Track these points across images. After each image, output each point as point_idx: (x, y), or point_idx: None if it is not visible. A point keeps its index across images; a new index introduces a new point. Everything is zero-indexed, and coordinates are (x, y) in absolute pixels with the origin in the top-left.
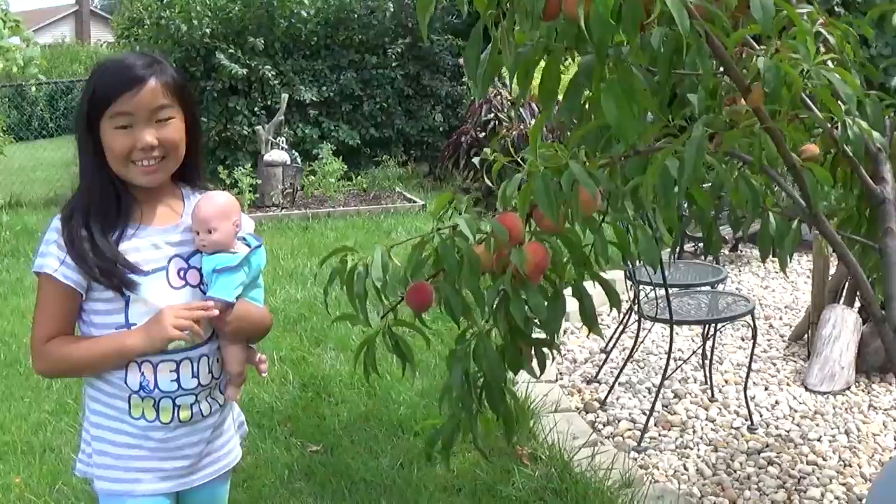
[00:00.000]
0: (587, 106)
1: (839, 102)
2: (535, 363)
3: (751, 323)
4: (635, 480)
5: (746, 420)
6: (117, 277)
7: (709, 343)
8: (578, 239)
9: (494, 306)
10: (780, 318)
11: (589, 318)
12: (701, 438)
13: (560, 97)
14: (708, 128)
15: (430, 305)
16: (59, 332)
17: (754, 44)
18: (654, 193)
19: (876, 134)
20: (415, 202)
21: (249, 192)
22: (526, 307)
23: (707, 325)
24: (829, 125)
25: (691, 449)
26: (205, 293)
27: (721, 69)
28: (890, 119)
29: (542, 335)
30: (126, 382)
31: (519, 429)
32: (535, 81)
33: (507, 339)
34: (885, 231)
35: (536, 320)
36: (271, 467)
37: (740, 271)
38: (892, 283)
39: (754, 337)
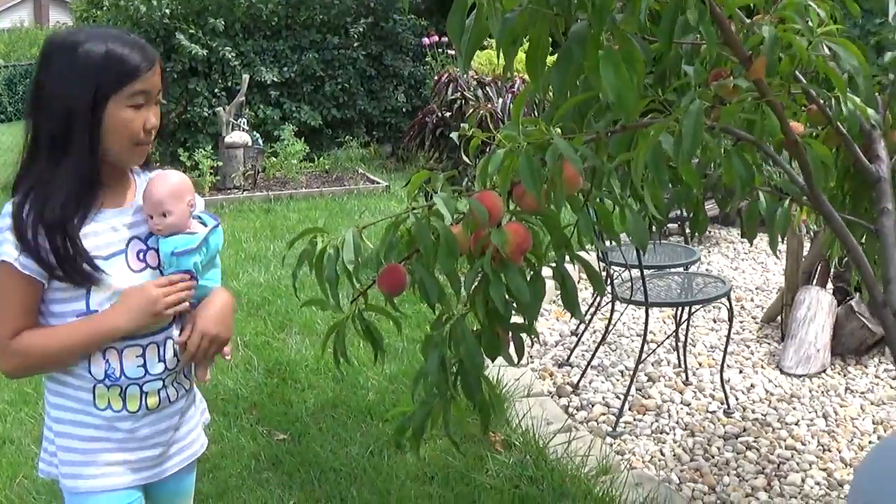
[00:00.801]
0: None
1: (841, 76)
2: (512, 349)
3: (727, 305)
4: (612, 467)
5: (722, 404)
6: (79, 274)
7: (682, 325)
8: (558, 219)
9: (472, 290)
10: (752, 300)
11: (571, 301)
12: (677, 423)
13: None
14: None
15: (404, 289)
16: (26, 325)
17: (744, 17)
18: (644, 171)
19: (870, 111)
20: (378, 183)
21: (210, 174)
22: (505, 290)
23: (682, 308)
24: (821, 101)
25: (667, 434)
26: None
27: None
28: (882, 96)
29: (520, 320)
30: (90, 372)
31: (495, 417)
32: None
33: (484, 323)
34: (881, 211)
35: (514, 304)
36: (237, 457)
37: (709, 252)
38: (890, 265)
39: (730, 319)
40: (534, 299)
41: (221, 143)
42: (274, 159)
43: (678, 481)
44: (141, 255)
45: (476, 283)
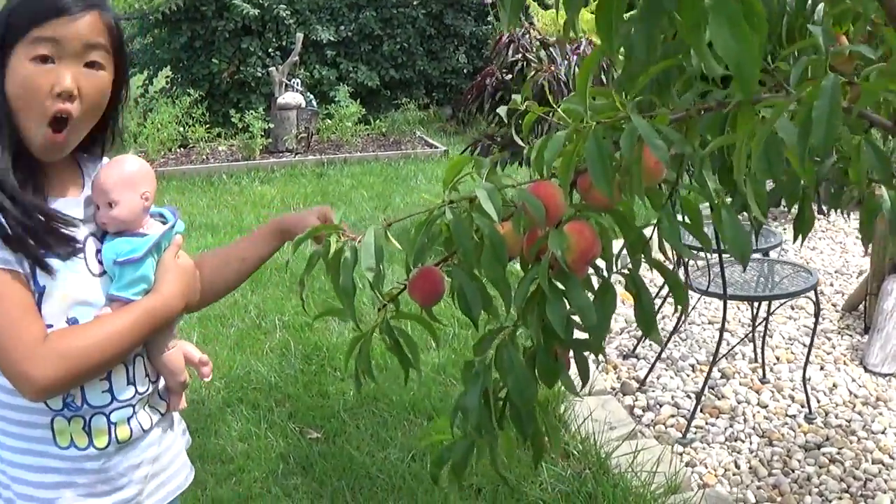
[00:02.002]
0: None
1: None
2: (574, 371)
3: (812, 299)
4: (682, 483)
5: (802, 407)
6: (54, 237)
7: (761, 319)
8: (633, 216)
9: (524, 304)
10: (831, 285)
11: (648, 319)
12: (753, 429)
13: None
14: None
15: (440, 297)
16: (43, 325)
17: None
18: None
19: None
20: (436, 147)
21: (262, 136)
22: (566, 308)
23: (762, 302)
24: None
25: (742, 441)
26: None
27: None
28: None
29: (583, 335)
30: (45, 402)
31: (552, 449)
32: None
33: (538, 342)
34: None
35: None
36: (264, 458)
37: (784, 230)
38: None
39: (816, 315)
40: (602, 319)
41: (274, 105)
42: (328, 121)
43: (754, 501)
44: (99, 256)
45: (529, 296)
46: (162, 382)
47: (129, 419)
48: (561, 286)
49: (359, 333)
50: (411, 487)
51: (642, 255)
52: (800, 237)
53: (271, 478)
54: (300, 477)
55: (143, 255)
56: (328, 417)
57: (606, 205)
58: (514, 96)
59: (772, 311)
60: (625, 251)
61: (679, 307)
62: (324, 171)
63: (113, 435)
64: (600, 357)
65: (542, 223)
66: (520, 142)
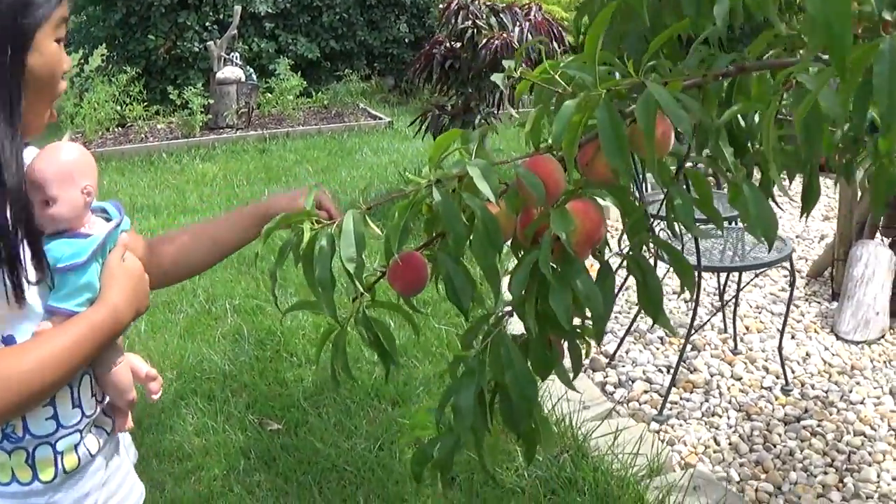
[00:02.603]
0: None
1: None
2: (567, 361)
3: (788, 269)
4: (664, 464)
5: (778, 378)
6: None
7: (731, 289)
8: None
9: (521, 292)
10: (794, 251)
11: (654, 303)
12: (730, 403)
13: None
14: None
15: (424, 285)
16: None
17: None
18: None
19: None
20: (380, 119)
21: (201, 112)
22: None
23: (734, 273)
24: None
25: (720, 417)
26: None
27: None
28: None
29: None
30: None
31: (543, 445)
32: None
33: (532, 333)
34: None
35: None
36: (224, 454)
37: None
38: None
39: (792, 286)
40: (606, 306)
41: (213, 80)
42: (269, 95)
43: (738, 478)
44: (34, 261)
45: (526, 284)
46: (108, 399)
47: (76, 446)
48: (564, 273)
49: (330, 326)
50: (381, 479)
51: (646, 237)
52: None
53: (232, 475)
54: (263, 473)
55: (87, 259)
56: (288, 407)
57: (610, 180)
58: (506, 62)
59: (745, 283)
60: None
61: (686, 287)
62: (266, 146)
63: (60, 465)
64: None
65: (541, 202)
66: (513, 112)
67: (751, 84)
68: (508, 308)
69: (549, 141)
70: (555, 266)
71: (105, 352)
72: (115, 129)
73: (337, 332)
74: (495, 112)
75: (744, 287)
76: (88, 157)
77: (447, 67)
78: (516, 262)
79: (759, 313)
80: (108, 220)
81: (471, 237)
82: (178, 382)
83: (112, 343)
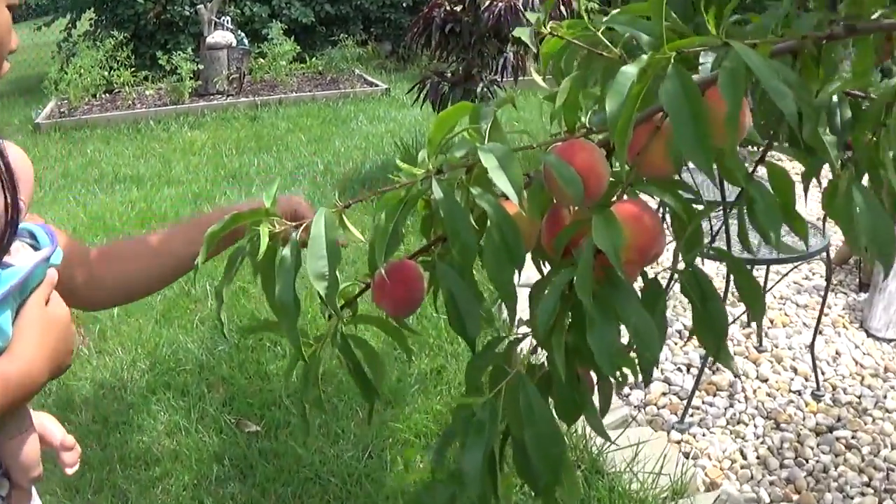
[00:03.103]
0: None
1: None
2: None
3: (824, 261)
4: (688, 484)
5: (807, 380)
6: None
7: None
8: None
9: (551, 321)
10: (815, 236)
11: (716, 335)
12: (756, 409)
13: None
14: None
15: (419, 304)
16: None
17: None
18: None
19: None
20: (377, 86)
21: (191, 78)
22: (617, 331)
23: (766, 266)
24: None
25: (746, 425)
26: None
27: None
28: None
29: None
30: None
31: (566, 500)
32: None
33: (556, 367)
34: None
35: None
36: (195, 459)
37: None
38: None
39: (828, 282)
40: (660, 341)
41: (203, 45)
42: (261, 61)
43: (769, 500)
44: None
45: (556, 309)
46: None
47: None
48: (608, 298)
49: (308, 347)
50: (369, 493)
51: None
52: None
53: (203, 484)
54: (237, 483)
55: (3, 295)
56: (268, 405)
57: (666, 175)
58: (532, 12)
59: (782, 275)
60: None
61: (753, 316)
62: (257, 113)
63: None
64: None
65: (578, 202)
66: (539, 80)
67: (835, 55)
68: (524, 330)
69: (587, 121)
70: (595, 290)
71: (9, 417)
72: (102, 96)
73: (307, 361)
74: (498, 80)
75: (777, 282)
76: (25, 161)
77: (447, 31)
78: (539, 275)
79: (784, 304)
80: (37, 248)
81: (481, 244)
82: (150, 374)
83: (20, 407)
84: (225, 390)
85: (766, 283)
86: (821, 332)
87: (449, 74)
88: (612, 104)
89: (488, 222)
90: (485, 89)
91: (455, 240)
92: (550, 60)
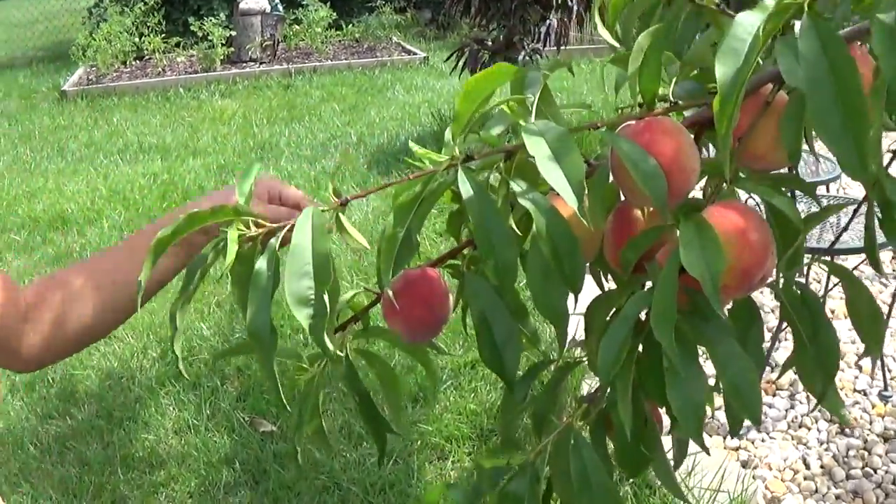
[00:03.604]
0: None
1: None
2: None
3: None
4: (749, 500)
5: (873, 379)
6: None
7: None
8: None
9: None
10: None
11: (826, 371)
12: (819, 411)
13: None
14: None
15: (443, 323)
16: None
17: None
18: None
19: None
20: (415, 54)
21: (223, 45)
22: (704, 380)
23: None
24: None
25: (808, 429)
26: None
27: None
28: None
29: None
30: None
31: None
32: None
33: (621, 411)
34: None
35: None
36: (203, 462)
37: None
38: None
39: None
40: (758, 386)
41: (236, 10)
42: (296, 27)
43: None
44: None
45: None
46: None
47: None
48: (696, 327)
49: (299, 375)
50: None
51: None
52: None
53: (211, 491)
54: (248, 489)
55: None
56: (287, 401)
57: (775, 166)
58: None
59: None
60: None
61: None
62: (291, 82)
63: None
64: None
65: (660, 204)
66: (608, 36)
67: None
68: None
69: (670, 92)
70: (683, 320)
71: None
72: (132, 63)
73: (302, 393)
74: (541, 48)
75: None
76: None
77: None
78: (598, 290)
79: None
80: None
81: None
82: (160, 364)
83: None
84: (239, 383)
85: (828, 279)
86: (887, 328)
87: (489, 42)
88: (726, 67)
89: (534, 227)
90: (527, 57)
91: (488, 254)
92: (621, 11)
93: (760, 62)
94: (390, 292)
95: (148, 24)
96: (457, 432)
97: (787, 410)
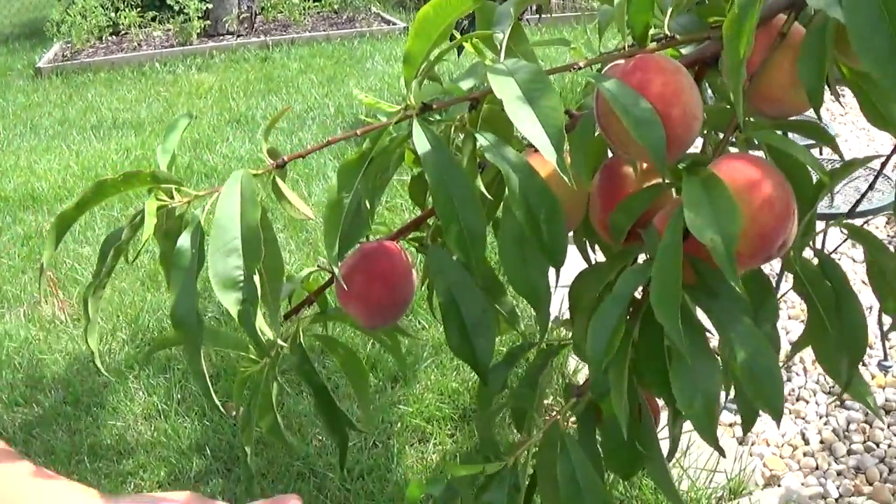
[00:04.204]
0: None
1: None
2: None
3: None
4: (746, 478)
5: (872, 349)
6: None
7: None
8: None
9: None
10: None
11: (855, 353)
12: (817, 383)
13: None
14: None
15: (405, 308)
16: None
17: None
18: None
19: None
20: (394, 24)
21: (199, 18)
22: (718, 368)
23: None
24: None
25: (807, 402)
26: None
27: None
28: None
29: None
30: None
31: None
32: None
33: (617, 401)
34: None
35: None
36: (173, 449)
37: (834, 118)
38: None
39: None
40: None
41: None
42: None
43: (837, 494)
44: None
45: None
46: None
47: None
48: (704, 301)
49: (245, 368)
50: (371, 493)
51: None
52: None
53: (181, 480)
54: (220, 477)
55: None
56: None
57: (795, 111)
58: None
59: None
60: None
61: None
62: (269, 54)
63: None
64: None
65: (658, 156)
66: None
67: None
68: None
69: (666, 26)
70: (690, 295)
71: None
72: (108, 39)
73: (253, 386)
74: (525, 19)
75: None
76: None
77: None
78: (584, 263)
79: (839, 259)
80: None
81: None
82: (130, 346)
83: None
84: (212, 366)
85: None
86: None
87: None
88: None
89: (506, 190)
90: None
91: (450, 220)
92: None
93: None
94: (337, 270)
95: None
96: (438, 413)
97: (784, 382)
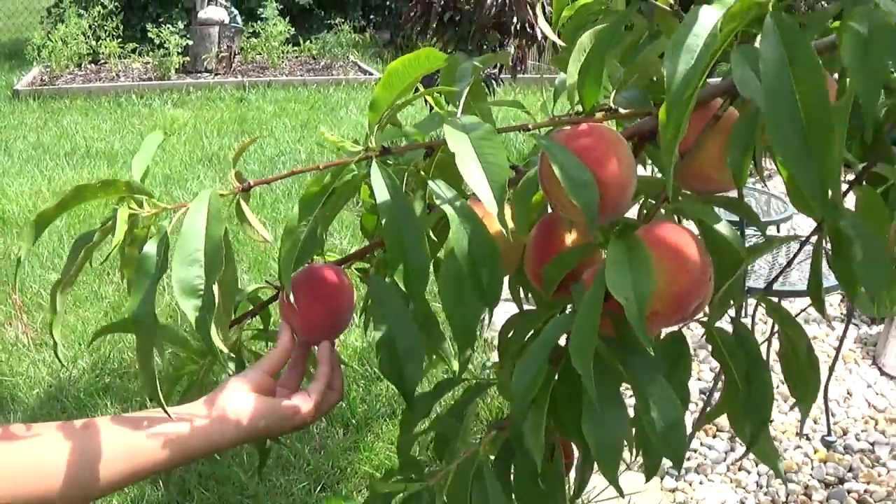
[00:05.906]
0: None
1: None
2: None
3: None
4: None
5: (816, 423)
6: None
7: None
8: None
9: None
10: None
11: (760, 415)
12: None
13: None
14: None
15: (344, 326)
16: None
17: None
18: None
19: None
20: (371, 74)
21: (179, 54)
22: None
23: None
24: None
25: (748, 473)
26: None
27: None
28: None
29: None
30: None
31: None
32: None
33: (533, 442)
34: None
35: None
36: None
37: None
38: None
39: (848, 319)
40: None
41: (195, 20)
42: (254, 41)
43: None
44: None
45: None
46: None
47: None
48: (623, 361)
49: (181, 368)
50: None
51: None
52: None
53: None
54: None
55: None
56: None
57: (720, 188)
58: None
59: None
60: None
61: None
62: (245, 95)
63: None
64: None
65: (590, 217)
66: (556, 38)
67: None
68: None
69: (612, 100)
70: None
71: None
72: (87, 66)
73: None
74: (496, 75)
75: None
76: None
77: (446, 20)
78: (516, 310)
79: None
80: None
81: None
82: (90, 375)
83: None
84: (158, 372)
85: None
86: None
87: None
88: (678, 64)
89: (450, 235)
90: (483, 85)
91: (398, 257)
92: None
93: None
94: (289, 290)
95: (105, 28)
96: (387, 461)
97: (727, 453)
